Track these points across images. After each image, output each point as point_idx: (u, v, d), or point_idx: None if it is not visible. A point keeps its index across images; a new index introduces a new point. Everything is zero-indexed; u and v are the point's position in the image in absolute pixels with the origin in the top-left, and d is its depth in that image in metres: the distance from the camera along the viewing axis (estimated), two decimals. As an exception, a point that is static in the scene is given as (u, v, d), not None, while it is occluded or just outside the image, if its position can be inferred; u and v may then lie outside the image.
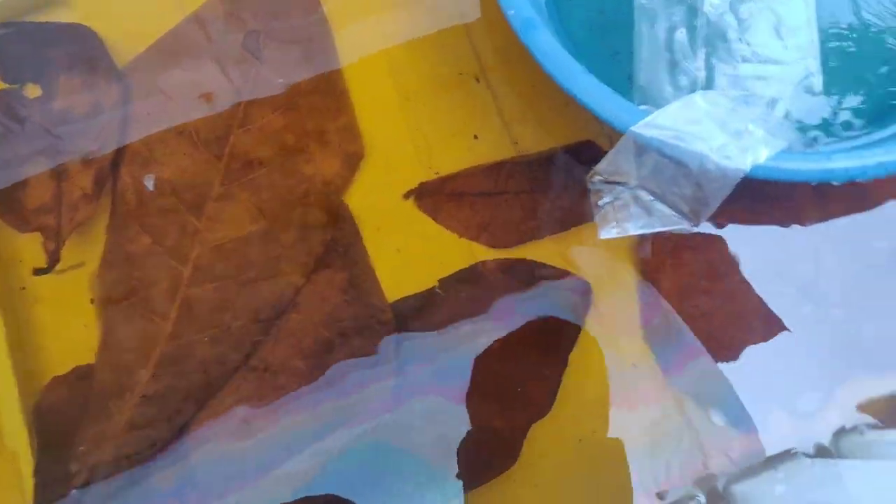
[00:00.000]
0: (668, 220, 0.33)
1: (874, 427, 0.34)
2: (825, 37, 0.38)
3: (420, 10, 0.43)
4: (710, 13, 0.35)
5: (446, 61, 0.42)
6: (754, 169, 0.29)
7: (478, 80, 0.42)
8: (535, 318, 0.38)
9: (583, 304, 0.38)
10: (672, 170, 0.31)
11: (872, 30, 0.38)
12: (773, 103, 0.34)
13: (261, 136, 0.41)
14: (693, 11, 0.36)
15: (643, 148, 0.31)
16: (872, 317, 0.37)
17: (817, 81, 0.34)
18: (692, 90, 0.35)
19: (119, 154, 0.41)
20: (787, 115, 0.34)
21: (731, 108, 0.31)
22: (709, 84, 0.35)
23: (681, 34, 0.35)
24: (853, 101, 0.37)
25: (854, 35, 0.38)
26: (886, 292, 0.37)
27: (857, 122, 0.36)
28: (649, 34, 0.36)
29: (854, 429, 0.35)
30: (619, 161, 0.32)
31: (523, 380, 0.37)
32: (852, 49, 0.38)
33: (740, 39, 0.35)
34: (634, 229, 0.34)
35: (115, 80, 0.42)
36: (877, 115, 0.36)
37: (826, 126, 0.36)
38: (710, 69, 0.35)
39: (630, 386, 0.37)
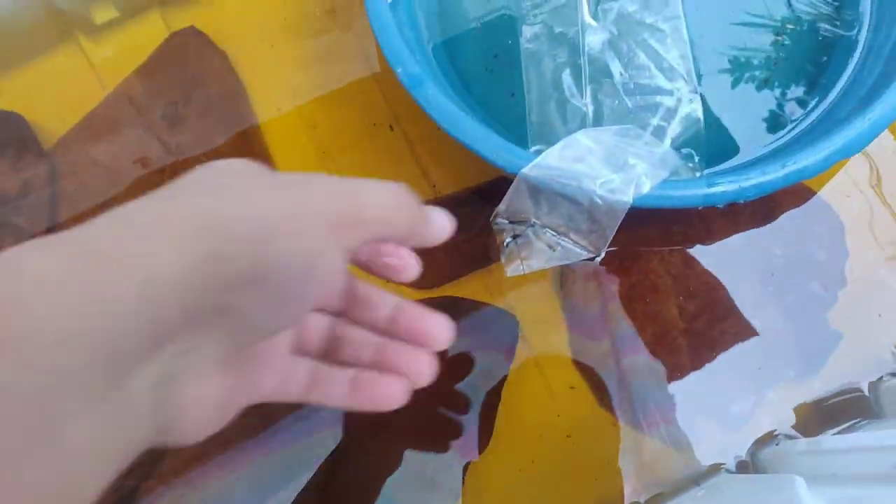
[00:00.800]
0: (570, 254, 0.34)
1: (789, 437, 0.34)
2: (769, 30, 0.38)
3: (328, 65, 0.43)
4: (591, 51, 0.35)
5: (359, 112, 0.42)
6: (639, 199, 0.30)
7: (391, 127, 0.42)
8: (466, 358, 0.38)
9: (511, 336, 0.38)
10: (567, 206, 0.31)
11: (806, 19, 0.39)
12: (659, 131, 0.34)
13: (186, 202, 0.41)
14: (576, 50, 0.36)
15: (536, 188, 0.31)
16: (788, 319, 0.37)
17: (698, 108, 0.35)
18: (582, 125, 0.35)
19: (50, 231, 0.40)
20: (672, 143, 0.34)
21: (614, 143, 0.31)
22: (597, 118, 0.35)
23: (567, 74, 0.35)
24: (797, 91, 0.37)
25: (790, 27, 0.39)
26: (792, 292, 0.37)
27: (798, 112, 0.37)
28: (537, 76, 0.36)
29: (772, 440, 0.34)
30: (517, 202, 0.32)
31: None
32: (787, 42, 0.38)
33: (622, 74, 0.35)
34: (538, 265, 0.34)
35: (44, 160, 0.42)
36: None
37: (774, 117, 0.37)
38: (597, 104, 0.35)
39: (565, 411, 0.37)
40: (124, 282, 0.14)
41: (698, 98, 0.35)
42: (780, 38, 0.38)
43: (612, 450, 0.37)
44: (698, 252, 0.38)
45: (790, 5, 0.39)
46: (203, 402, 0.17)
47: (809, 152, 0.30)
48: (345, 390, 0.22)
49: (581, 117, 0.35)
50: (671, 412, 0.36)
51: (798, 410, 0.36)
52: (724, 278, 0.38)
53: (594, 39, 0.36)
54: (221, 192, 0.16)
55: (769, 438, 0.34)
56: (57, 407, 0.13)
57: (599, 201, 0.30)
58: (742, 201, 0.30)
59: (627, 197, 0.29)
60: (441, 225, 0.22)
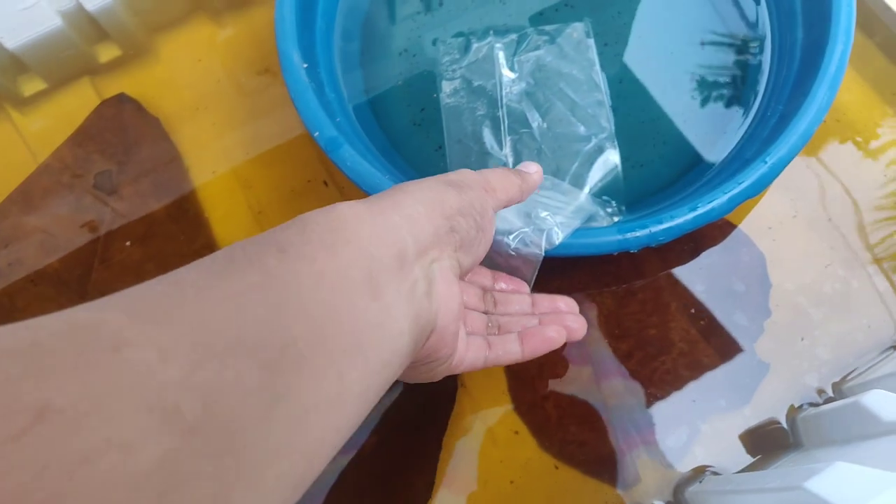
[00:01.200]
0: (497, 302, 0.34)
1: (715, 473, 0.34)
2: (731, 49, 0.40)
3: (262, 126, 0.44)
4: (509, 103, 0.36)
5: (294, 170, 0.43)
6: (552, 250, 0.30)
7: (326, 183, 0.42)
8: (405, 408, 0.38)
9: (451, 384, 0.38)
10: (488, 258, 0.32)
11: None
12: (578, 178, 0.35)
13: (122, 269, 0.41)
14: (494, 103, 0.37)
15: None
16: (717, 352, 0.38)
17: (615, 154, 0.36)
18: (503, 177, 0.35)
19: (-20, 308, 0.40)
20: (591, 189, 0.35)
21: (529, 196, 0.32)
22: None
23: (486, 127, 0.36)
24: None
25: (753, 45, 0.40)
26: (720, 325, 0.38)
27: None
28: (457, 130, 0.37)
29: (699, 476, 0.35)
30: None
31: (400, 469, 0.37)
32: (754, 61, 0.40)
33: (539, 124, 0.36)
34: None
35: (-28, 236, 0.42)
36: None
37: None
38: (517, 154, 0.36)
39: (508, 456, 0.37)
40: (401, 217, 0.23)
41: (615, 144, 0.36)
42: (743, 56, 0.39)
43: (553, 493, 0.37)
44: (629, 291, 0.39)
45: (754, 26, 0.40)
46: (451, 297, 0.24)
47: (715, 194, 0.31)
48: (517, 345, 0.30)
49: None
50: (651, 433, 0.36)
51: (733, 442, 0.36)
52: (655, 316, 0.39)
53: (512, 91, 0.37)
54: (432, 178, 0.26)
55: (699, 474, 0.35)
56: (380, 277, 0.21)
57: (513, 254, 0.30)
58: (655, 245, 0.31)
59: (539, 249, 0.30)
60: (535, 171, 0.30)
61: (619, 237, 0.30)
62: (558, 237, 0.30)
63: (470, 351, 0.29)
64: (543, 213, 0.30)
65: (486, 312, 0.32)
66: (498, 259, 0.32)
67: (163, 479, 0.13)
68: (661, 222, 0.30)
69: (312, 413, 0.17)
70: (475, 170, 0.37)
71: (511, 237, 0.30)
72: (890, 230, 0.39)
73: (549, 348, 0.30)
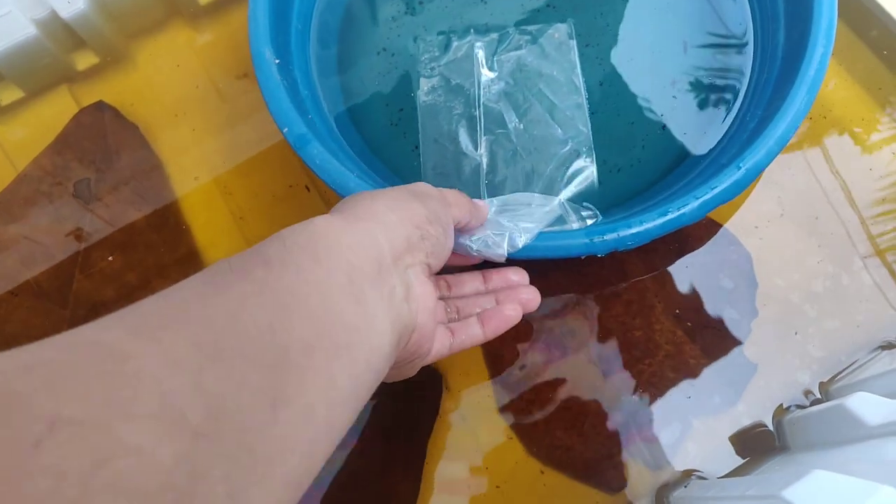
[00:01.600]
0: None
1: (700, 478, 0.34)
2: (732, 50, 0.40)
3: (243, 131, 0.43)
4: (487, 102, 0.36)
5: (276, 175, 0.43)
6: (517, 252, 0.30)
7: (308, 188, 0.42)
8: (388, 412, 0.38)
9: (436, 388, 0.38)
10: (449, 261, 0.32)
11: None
12: (552, 181, 0.35)
13: (103, 278, 0.41)
14: (472, 102, 0.36)
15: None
16: (705, 353, 0.38)
17: (590, 160, 0.35)
18: (476, 176, 0.35)
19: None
20: (566, 193, 0.35)
21: (496, 200, 0.32)
22: (491, 168, 0.35)
23: (462, 127, 0.36)
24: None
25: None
26: (707, 325, 0.38)
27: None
28: (434, 130, 0.37)
29: (684, 480, 0.34)
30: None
31: (384, 474, 0.37)
32: (736, 64, 0.39)
33: (516, 125, 0.36)
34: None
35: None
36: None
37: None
38: (492, 155, 0.36)
39: (494, 462, 0.37)
40: (375, 227, 0.24)
41: (592, 148, 0.35)
42: (725, 60, 0.38)
43: (540, 497, 0.36)
44: (614, 293, 0.38)
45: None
46: (427, 297, 0.26)
47: (686, 200, 0.30)
48: (478, 328, 0.31)
49: (475, 167, 0.36)
50: (639, 436, 0.36)
51: (723, 444, 0.36)
52: (639, 318, 0.38)
53: (490, 90, 0.36)
54: (395, 188, 0.28)
55: (685, 478, 0.34)
56: (360, 283, 0.22)
57: (476, 255, 0.30)
58: (623, 249, 0.30)
59: (502, 250, 0.30)
60: (483, 205, 0.31)
61: (587, 240, 0.30)
62: (521, 240, 0.30)
63: (436, 340, 0.29)
64: (507, 218, 0.30)
65: (441, 298, 0.32)
66: (460, 262, 0.31)
67: (176, 481, 0.14)
68: (629, 227, 0.30)
69: (313, 411, 0.18)
70: (450, 169, 0.37)
71: (473, 239, 0.30)
72: (882, 227, 0.39)
73: (509, 326, 0.31)
